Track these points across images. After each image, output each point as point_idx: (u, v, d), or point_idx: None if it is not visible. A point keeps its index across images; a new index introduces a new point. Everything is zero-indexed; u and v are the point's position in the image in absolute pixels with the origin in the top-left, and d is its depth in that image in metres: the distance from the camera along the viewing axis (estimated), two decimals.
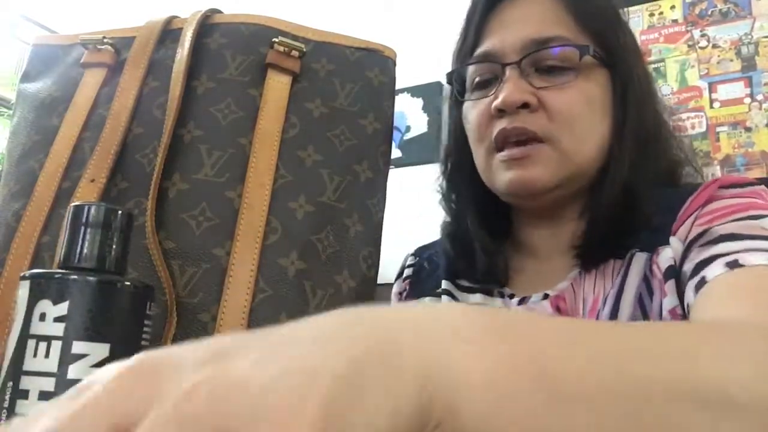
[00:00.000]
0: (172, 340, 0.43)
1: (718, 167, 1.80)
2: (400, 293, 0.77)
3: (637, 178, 0.60)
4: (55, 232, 0.47)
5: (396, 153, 2.47)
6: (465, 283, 0.70)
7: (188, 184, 0.48)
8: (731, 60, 1.89)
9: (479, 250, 0.67)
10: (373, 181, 0.52)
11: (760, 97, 1.84)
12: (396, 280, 0.79)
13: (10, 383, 0.32)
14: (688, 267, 0.54)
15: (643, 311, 0.57)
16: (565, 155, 0.60)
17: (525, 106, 0.60)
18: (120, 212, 0.36)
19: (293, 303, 0.45)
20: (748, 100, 1.85)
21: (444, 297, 0.71)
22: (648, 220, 0.59)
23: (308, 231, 0.48)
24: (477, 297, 0.69)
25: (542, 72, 0.61)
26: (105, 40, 0.54)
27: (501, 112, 0.60)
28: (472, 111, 0.65)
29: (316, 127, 0.51)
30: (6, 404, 0.32)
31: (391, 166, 0.55)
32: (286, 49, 0.52)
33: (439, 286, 0.72)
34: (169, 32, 0.55)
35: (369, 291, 0.49)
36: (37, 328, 0.32)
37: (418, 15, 2.58)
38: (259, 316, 0.44)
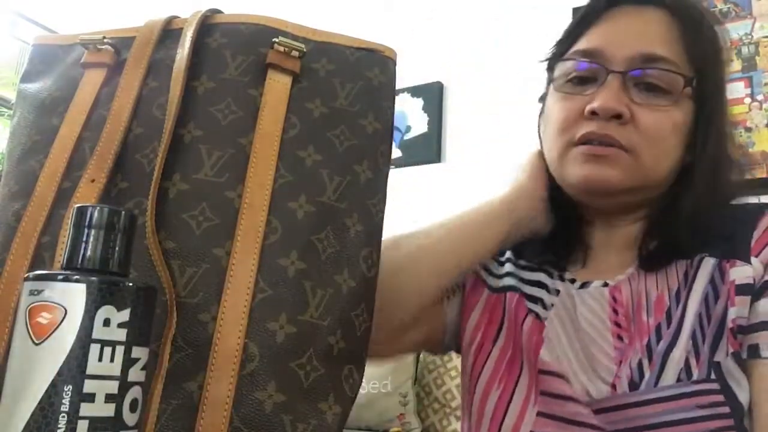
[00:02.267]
0: (172, 341, 0.43)
1: None
2: None
3: (705, 203, 0.63)
4: (55, 232, 0.47)
5: (396, 153, 2.47)
6: (524, 263, 0.73)
7: (188, 184, 0.48)
8: (731, 60, 1.89)
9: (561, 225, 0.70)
10: (373, 181, 0.52)
11: (760, 97, 1.84)
12: None
13: (68, 386, 0.32)
14: (765, 309, 0.58)
15: (707, 309, 0.60)
16: (642, 167, 0.62)
17: (618, 116, 0.61)
18: (124, 213, 0.37)
19: (293, 303, 0.45)
20: (748, 100, 1.85)
21: (507, 265, 0.73)
22: (714, 232, 0.63)
23: (308, 231, 0.48)
24: (540, 275, 0.71)
25: (642, 88, 0.62)
26: (105, 40, 0.54)
27: (594, 115, 0.62)
28: (561, 104, 0.66)
29: (316, 127, 0.51)
30: (66, 407, 0.32)
31: (391, 166, 0.55)
32: (286, 49, 0.52)
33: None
34: (169, 32, 0.55)
35: (369, 291, 0.49)
36: (101, 333, 0.33)
37: (418, 15, 2.58)
38: (259, 316, 0.44)
